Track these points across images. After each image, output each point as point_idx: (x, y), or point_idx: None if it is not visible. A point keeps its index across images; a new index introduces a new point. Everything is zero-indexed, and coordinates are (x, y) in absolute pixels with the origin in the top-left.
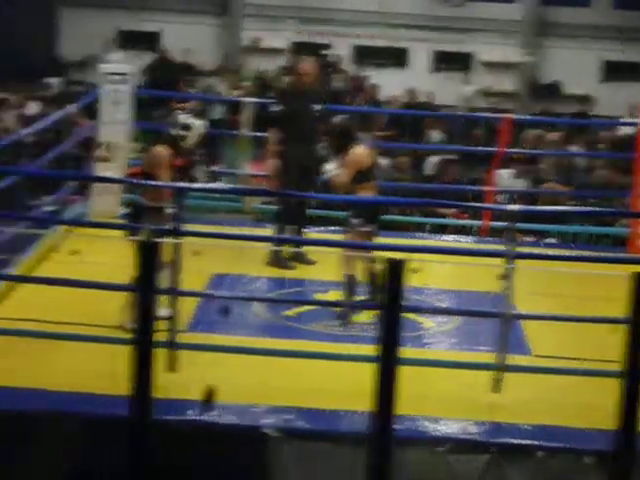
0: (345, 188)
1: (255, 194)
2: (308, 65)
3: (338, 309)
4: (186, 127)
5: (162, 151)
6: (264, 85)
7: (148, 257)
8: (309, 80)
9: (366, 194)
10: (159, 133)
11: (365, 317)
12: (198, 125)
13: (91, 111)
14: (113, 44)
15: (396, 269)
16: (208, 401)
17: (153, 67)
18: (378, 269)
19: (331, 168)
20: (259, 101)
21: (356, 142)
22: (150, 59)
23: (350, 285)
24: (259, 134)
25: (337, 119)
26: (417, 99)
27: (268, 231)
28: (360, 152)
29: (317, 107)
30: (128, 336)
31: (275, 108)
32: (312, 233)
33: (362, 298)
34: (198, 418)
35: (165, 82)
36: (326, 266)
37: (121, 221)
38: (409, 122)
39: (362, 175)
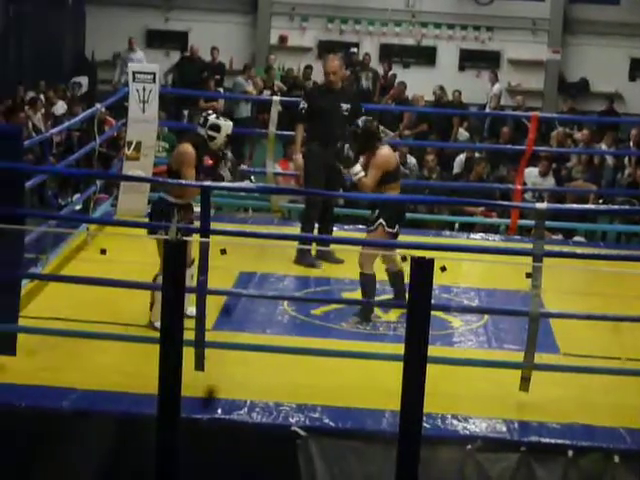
0: (372, 190)
1: (282, 192)
2: (335, 63)
3: (359, 307)
4: (215, 127)
5: (188, 148)
6: (292, 84)
7: (175, 255)
8: (336, 78)
9: (392, 194)
10: (187, 131)
11: (393, 315)
12: (226, 126)
13: (119, 110)
14: (135, 43)
15: (424, 267)
16: (209, 399)
17: (181, 66)
18: (402, 268)
19: (357, 170)
20: (287, 99)
21: (380, 142)
22: (178, 58)
23: (367, 284)
24: (286, 132)
25: (360, 120)
26: (445, 97)
27: (295, 229)
28: (386, 153)
29: (345, 106)
30: (156, 334)
31: (302, 106)
32: (340, 232)
33: (382, 297)
34: (227, 417)
35: (193, 81)
36: (354, 265)
37: (147, 219)
38: (437, 120)
39: (389, 176)
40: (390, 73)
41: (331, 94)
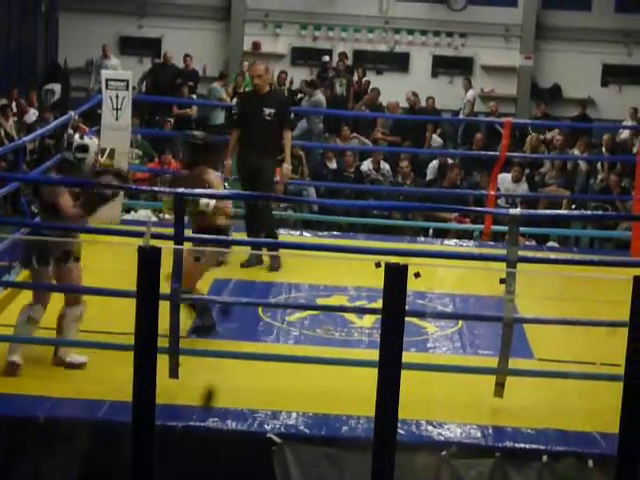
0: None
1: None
2: (259, 67)
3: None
4: (82, 148)
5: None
6: None
7: (149, 263)
8: (260, 82)
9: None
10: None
11: (368, 322)
12: (93, 144)
13: (92, 117)
14: (109, 50)
15: (398, 273)
16: (207, 403)
17: (154, 72)
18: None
19: (207, 201)
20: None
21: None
22: (150, 65)
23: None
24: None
25: (198, 132)
26: (419, 104)
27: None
28: (216, 177)
29: (268, 110)
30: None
31: (234, 111)
32: (315, 238)
33: (358, 303)
34: (201, 424)
35: (166, 87)
36: (326, 271)
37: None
38: (410, 127)
39: None
40: (364, 79)
41: (256, 99)
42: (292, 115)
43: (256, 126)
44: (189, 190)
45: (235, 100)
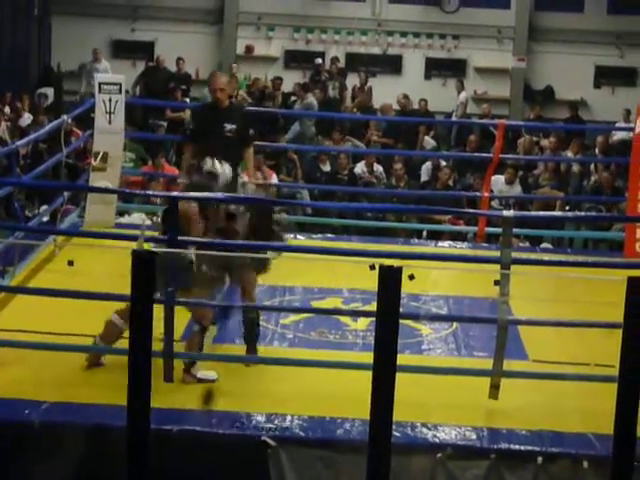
0: None
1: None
2: (222, 80)
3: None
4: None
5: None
6: (262, 94)
7: (145, 267)
8: (223, 96)
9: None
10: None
11: (362, 324)
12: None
13: (86, 121)
14: (100, 54)
15: (393, 275)
16: (207, 404)
17: (146, 76)
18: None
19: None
20: (255, 110)
21: None
22: (143, 68)
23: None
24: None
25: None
26: (410, 106)
27: None
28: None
29: (229, 126)
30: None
31: (188, 126)
32: (308, 240)
33: (352, 305)
34: (197, 427)
35: (159, 91)
36: (320, 274)
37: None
38: (403, 129)
39: None
40: (367, 85)
41: (216, 113)
42: (252, 131)
43: (216, 142)
44: (183, 194)
45: (189, 113)
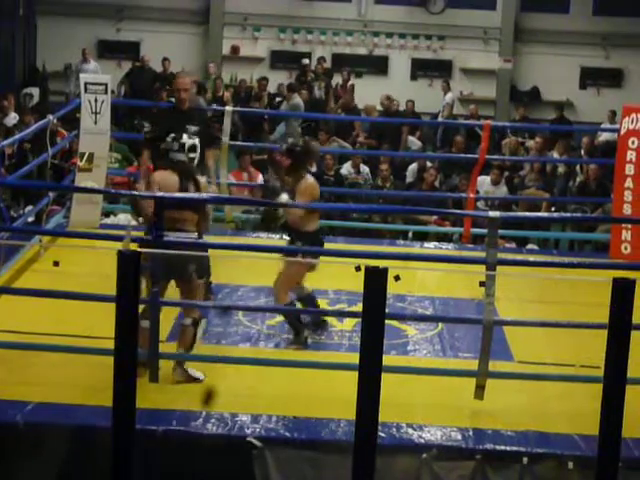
0: (303, 219)
1: (236, 203)
2: (186, 80)
3: (292, 335)
4: (193, 148)
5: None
6: (249, 95)
7: (130, 266)
8: (186, 97)
9: (315, 224)
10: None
11: (348, 325)
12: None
13: (71, 121)
14: (89, 54)
15: (378, 276)
16: (207, 403)
17: (131, 76)
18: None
19: (285, 198)
20: (240, 110)
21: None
22: (128, 69)
23: (290, 312)
24: (240, 143)
25: (289, 142)
26: (393, 107)
27: (249, 240)
28: (313, 182)
29: (193, 128)
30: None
31: (147, 129)
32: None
33: (338, 307)
34: (182, 428)
35: (144, 91)
36: (308, 275)
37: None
38: (388, 130)
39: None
40: (349, 83)
41: (179, 115)
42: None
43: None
44: (169, 194)
45: (149, 116)
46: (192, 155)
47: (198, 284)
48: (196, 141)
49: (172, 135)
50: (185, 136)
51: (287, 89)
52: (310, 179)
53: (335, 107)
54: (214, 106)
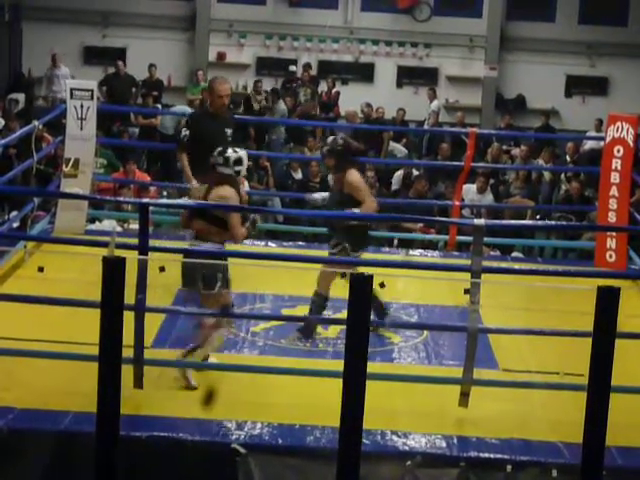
0: (375, 209)
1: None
2: (227, 86)
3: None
4: (239, 161)
5: (232, 192)
6: (246, 101)
7: (114, 272)
8: (227, 103)
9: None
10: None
11: (333, 332)
12: (245, 155)
13: (57, 127)
14: (59, 59)
15: (363, 283)
16: (208, 401)
17: (108, 83)
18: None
19: (317, 196)
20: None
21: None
22: (106, 74)
23: (318, 303)
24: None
25: (334, 138)
26: (374, 114)
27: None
28: (358, 175)
29: (229, 131)
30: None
31: (185, 133)
32: (280, 248)
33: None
34: (166, 434)
35: (122, 97)
36: (294, 281)
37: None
38: (368, 136)
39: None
40: (334, 90)
41: (218, 119)
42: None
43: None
44: (154, 200)
45: (184, 120)
46: (237, 168)
47: (207, 294)
48: (241, 154)
49: (218, 149)
50: (230, 150)
51: (271, 94)
52: (354, 172)
53: (294, 115)
54: None
